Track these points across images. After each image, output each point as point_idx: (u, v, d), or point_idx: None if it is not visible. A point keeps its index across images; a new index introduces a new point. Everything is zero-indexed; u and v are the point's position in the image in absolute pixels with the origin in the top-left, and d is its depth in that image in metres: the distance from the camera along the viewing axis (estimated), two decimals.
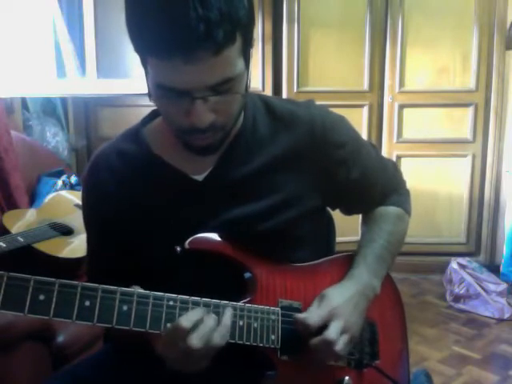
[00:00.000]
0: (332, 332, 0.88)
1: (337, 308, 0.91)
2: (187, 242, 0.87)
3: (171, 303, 0.80)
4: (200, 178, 0.93)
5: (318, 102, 1.01)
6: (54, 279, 0.74)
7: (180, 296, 0.81)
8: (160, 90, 0.79)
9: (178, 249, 0.87)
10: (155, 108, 0.94)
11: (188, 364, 0.80)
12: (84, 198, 1.00)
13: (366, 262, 1.00)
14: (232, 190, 0.93)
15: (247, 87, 0.85)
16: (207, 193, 0.93)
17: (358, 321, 0.95)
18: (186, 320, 0.78)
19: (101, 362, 1.03)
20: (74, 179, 2.25)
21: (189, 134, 0.84)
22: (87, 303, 0.75)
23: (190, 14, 0.70)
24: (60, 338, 1.50)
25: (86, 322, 0.76)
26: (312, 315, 0.89)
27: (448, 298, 2.86)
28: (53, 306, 0.73)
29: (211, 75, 0.76)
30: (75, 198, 2.06)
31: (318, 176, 0.97)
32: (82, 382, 0.97)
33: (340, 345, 0.89)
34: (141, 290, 0.80)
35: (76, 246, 1.74)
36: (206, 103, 0.79)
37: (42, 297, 0.72)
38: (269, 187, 0.94)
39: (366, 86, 3.17)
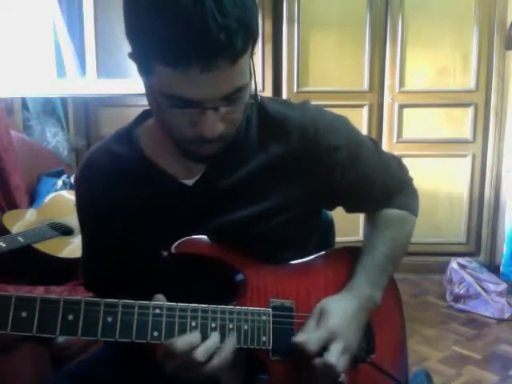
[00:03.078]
0: (332, 355, 0.86)
1: (337, 328, 0.89)
2: (173, 246, 0.86)
3: (157, 311, 0.79)
4: (190, 182, 0.92)
5: (318, 102, 0.99)
6: (35, 295, 0.73)
7: (166, 303, 0.80)
8: (166, 100, 0.77)
9: (165, 253, 0.87)
10: (147, 108, 0.93)
11: (185, 374, 0.80)
12: (76, 198, 1.00)
13: (366, 272, 0.98)
14: (221, 196, 0.92)
15: (256, 95, 0.84)
16: (197, 197, 0.92)
17: (357, 336, 0.93)
18: (182, 344, 0.78)
19: (101, 361, 1.03)
20: (74, 179, 2.25)
21: (193, 144, 0.83)
22: (70, 317, 0.74)
23: (209, 23, 0.68)
24: (60, 339, 1.50)
25: (70, 336, 0.75)
26: (311, 338, 0.87)
27: (448, 298, 2.86)
28: (35, 322, 0.72)
29: (226, 85, 0.75)
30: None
31: (312, 180, 0.95)
32: (82, 381, 0.96)
33: (340, 366, 0.87)
34: (126, 300, 0.78)
35: (76, 246, 1.74)
36: (217, 113, 0.78)
37: (24, 313, 0.72)
38: (259, 193, 0.93)
39: (366, 86, 3.17)
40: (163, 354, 0.80)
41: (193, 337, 0.79)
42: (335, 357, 0.87)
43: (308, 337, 0.87)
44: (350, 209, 1.08)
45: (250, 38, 0.75)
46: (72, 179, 2.23)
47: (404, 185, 1.10)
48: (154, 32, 0.71)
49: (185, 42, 0.69)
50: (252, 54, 0.80)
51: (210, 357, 0.80)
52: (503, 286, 2.74)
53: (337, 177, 0.97)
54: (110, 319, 0.76)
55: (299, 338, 0.87)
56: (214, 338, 0.81)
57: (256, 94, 0.84)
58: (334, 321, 0.89)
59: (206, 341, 0.80)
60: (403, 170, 1.12)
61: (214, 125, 0.79)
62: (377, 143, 1.07)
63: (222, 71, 0.72)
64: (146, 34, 0.72)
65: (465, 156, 3.22)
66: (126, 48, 0.78)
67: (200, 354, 0.78)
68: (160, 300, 0.81)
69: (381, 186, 1.04)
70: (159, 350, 0.80)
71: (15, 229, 1.72)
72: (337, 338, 0.88)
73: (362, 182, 1.01)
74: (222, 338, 0.83)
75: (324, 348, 0.87)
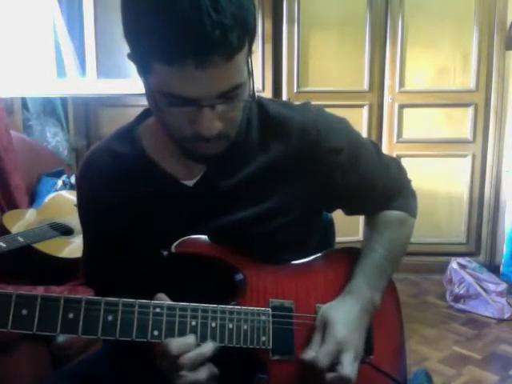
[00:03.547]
0: (347, 367, 0.86)
1: (343, 338, 0.89)
2: (174, 245, 0.87)
3: (158, 310, 0.79)
4: (190, 183, 0.92)
5: (318, 102, 0.99)
6: (36, 293, 0.73)
7: (167, 302, 0.81)
8: (164, 98, 0.77)
9: (165, 253, 0.87)
10: (147, 107, 0.93)
11: (174, 378, 0.80)
12: (78, 198, 1.01)
13: (365, 274, 0.98)
14: (222, 196, 0.92)
15: (254, 95, 0.84)
16: (197, 198, 0.92)
17: (362, 340, 0.93)
18: (176, 346, 0.78)
19: (101, 361, 1.03)
20: (74, 179, 2.25)
21: (192, 142, 0.83)
22: (71, 315, 0.74)
23: (204, 20, 0.69)
24: (60, 338, 1.50)
25: (71, 335, 0.75)
26: (320, 354, 0.86)
27: (448, 298, 2.86)
28: (36, 320, 0.72)
29: (223, 82, 0.76)
30: (75, 198, 2.06)
31: (312, 182, 0.95)
32: (82, 381, 0.96)
33: (354, 374, 0.87)
34: (127, 299, 0.78)
35: (76, 246, 1.74)
36: (214, 111, 0.78)
37: (24, 311, 0.72)
38: (259, 194, 0.93)
39: (366, 86, 3.17)
40: (160, 353, 0.80)
41: (189, 340, 0.79)
42: (349, 368, 0.86)
43: (317, 352, 0.87)
44: (350, 211, 1.09)
45: (247, 35, 0.75)
46: (72, 179, 2.23)
47: (403, 187, 1.11)
48: (152, 31, 0.72)
49: (180, 39, 0.70)
50: (250, 52, 0.80)
51: (198, 365, 0.79)
52: (503, 286, 2.75)
53: (337, 179, 0.97)
54: (110, 318, 0.76)
55: (308, 354, 0.87)
56: (207, 346, 0.81)
57: (254, 93, 0.84)
58: (340, 330, 0.89)
59: (198, 347, 0.80)
60: (402, 172, 1.12)
61: (211, 123, 0.79)
62: (377, 146, 1.07)
63: (217, 68, 0.73)
64: (144, 33, 0.73)
65: (465, 156, 3.22)
66: (126, 48, 0.78)
67: (188, 359, 0.78)
68: (162, 299, 0.81)
69: (381, 188, 1.04)
70: (157, 349, 0.80)
71: (15, 229, 1.72)
72: (346, 347, 0.88)
73: (362, 185, 1.01)
74: (221, 340, 0.83)
75: (335, 360, 0.87)
